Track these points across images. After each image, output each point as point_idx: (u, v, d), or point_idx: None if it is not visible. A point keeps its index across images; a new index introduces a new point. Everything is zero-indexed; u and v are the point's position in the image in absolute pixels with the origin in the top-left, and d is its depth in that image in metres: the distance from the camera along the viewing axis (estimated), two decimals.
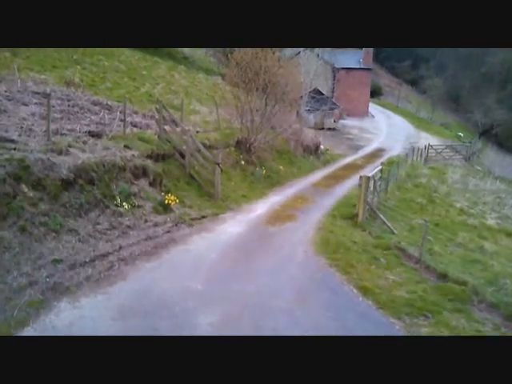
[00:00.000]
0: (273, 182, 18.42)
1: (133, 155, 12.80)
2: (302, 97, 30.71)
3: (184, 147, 14.71)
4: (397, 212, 15.78)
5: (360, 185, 13.60)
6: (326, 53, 42.07)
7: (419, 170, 24.47)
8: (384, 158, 29.58)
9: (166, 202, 12.05)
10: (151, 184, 12.82)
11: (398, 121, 49.02)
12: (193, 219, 12.31)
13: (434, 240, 13.16)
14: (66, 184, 10.18)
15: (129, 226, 10.75)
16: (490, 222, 16.57)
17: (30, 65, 20.60)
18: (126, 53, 32.92)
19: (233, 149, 18.12)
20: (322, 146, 27.21)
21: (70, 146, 11.36)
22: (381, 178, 16.22)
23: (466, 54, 77.68)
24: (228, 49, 35.54)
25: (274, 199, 16.06)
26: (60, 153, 10.84)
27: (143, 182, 12.59)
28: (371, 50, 46.78)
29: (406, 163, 24.11)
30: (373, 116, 49.00)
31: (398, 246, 11.76)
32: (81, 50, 27.76)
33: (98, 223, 10.29)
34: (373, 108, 51.51)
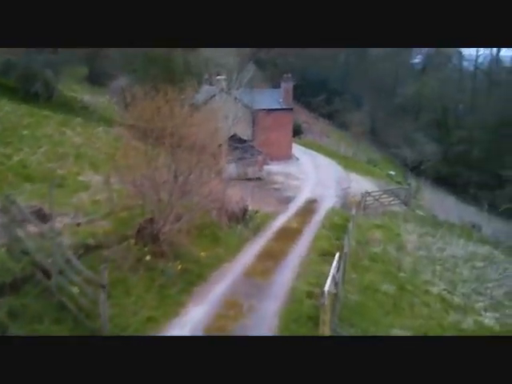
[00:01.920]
0: (192, 278, 13.60)
1: None
2: (221, 149, 26.47)
3: (51, 260, 9.66)
4: (365, 315, 11.54)
5: (323, 304, 9.15)
6: (243, 94, 38.44)
7: (367, 231, 20.67)
8: (320, 214, 25.80)
9: None
10: None
11: (324, 162, 45.92)
12: None
13: None
14: None
15: None
16: (488, 321, 12.77)
17: None
18: (6, 108, 27.18)
19: (133, 241, 13.21)
20: (249, 207, 22.83)
21: None
22: (338, 269, 11.95)
23: (378, 86, 78.26)
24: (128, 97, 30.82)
25: (194, 316, 11.29)
26: None
27: None
28: (291, 88, 43.67)
29: (352, 221, 20.18)
30: (297, 158, 45.68)
31: None
32: None
33: None
34: (295, 149, 48.29)
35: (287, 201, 29.62)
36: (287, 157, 44.18)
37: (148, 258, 13.06)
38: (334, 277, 10.33)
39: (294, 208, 27.41)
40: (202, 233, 16.93)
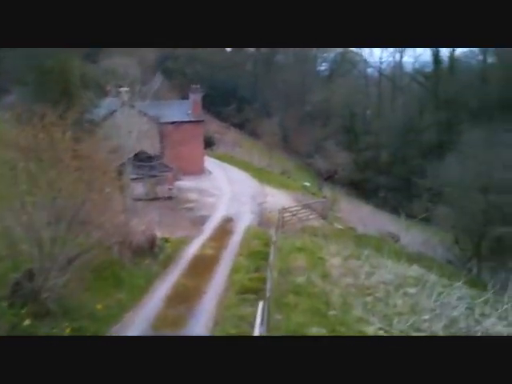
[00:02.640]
0: None
1: None
2: (123, 168, 23.90)
3: None
4: None
5: None
6: (149, 106, 35.81)
7: (288, 255, 19.05)
8: (238, 234, 24.02)
9: None
10: None
11: (238, 175, 44.15)
12: None
13: None
14: None
15: None
16: None
17: None
18: None
19: (6, 304, 10.54)
20: (159, 235, 20.47)
21: None
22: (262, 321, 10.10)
23: (287, 94, 78.30)
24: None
25: None
26: None
27: None
28: (199, 100, 41.73)
29: (272, 247, 18.50)
30: (210, 172, 43.70)
31: None
32: None
33: None
34: (208, 162, 46.24)
35: (201, 222, 27.55)
36: (200, 171, 42.15)
37: (27, 322, 10.47)
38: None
39: (208, 230, 25.41)
40: (100, 276, 14.42)
